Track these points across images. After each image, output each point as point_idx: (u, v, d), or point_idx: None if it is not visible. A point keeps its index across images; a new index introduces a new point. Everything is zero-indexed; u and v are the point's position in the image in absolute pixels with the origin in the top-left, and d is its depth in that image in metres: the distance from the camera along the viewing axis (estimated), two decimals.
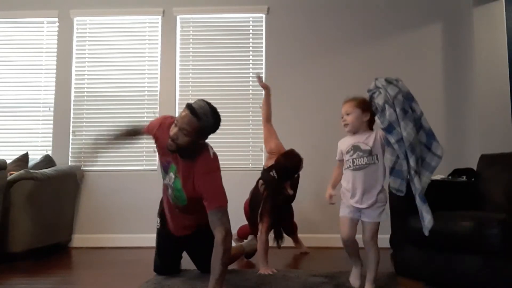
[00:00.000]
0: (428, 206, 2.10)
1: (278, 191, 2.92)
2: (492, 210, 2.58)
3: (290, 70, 4.10)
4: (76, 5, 4.24)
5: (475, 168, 3.03)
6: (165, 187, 2.56)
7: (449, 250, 2.34)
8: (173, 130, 2.26)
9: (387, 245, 2.96)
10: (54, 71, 4.22)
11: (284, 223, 3.37)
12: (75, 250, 3.81)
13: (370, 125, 2.26)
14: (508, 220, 2.15)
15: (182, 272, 2.76)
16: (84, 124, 4.18)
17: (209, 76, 4.17)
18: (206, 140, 2.42)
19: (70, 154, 4.13)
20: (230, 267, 2.72)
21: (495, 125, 3.63)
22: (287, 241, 3.46)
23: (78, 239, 3.99)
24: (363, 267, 2.31)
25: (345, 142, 2.28)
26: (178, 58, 4.19)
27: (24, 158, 3.76)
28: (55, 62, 4.23)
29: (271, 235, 2.96)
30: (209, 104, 2.31)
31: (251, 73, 4.07)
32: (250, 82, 4.16)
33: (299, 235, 3.60)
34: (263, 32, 4.17)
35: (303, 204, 3.64)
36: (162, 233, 2.71)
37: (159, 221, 2.73)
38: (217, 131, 2.37)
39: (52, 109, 4.19)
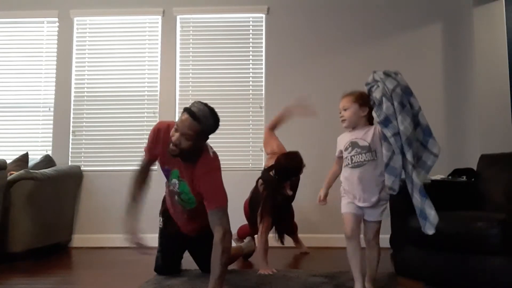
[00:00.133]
0: (430, 201, 2.02)
1: (277, 191, 2.92)
2: (492, 210, 2.58)
3: (290, 70, 4.10)
4: (76, 5, 4.24)
5: (475, 168, 3.03)
6: (170, 193, 2.56)
7: (449, 250, 2.34)
8: (175, 135, 2.25)
9: (387, 245, 2.96)
10: (54, 71, 4.22)
11: (284, 223, 3.38)
12: (75, 250, 3.81)
13: (369, 120, 2.21)
14: (508, 220, 2.15)
15: (182, 272, 2.76)
16: (84, 124, 4.18)
17: (209, 76, 4.17)
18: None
19: (70, 154, 4.14)
20: (230, 267, 2.72)
21: (495, 125, 3.63)
22: (287, 241, 3.46)
23: (78, 239, 3.99)
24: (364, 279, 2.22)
25: (344, 139, 2.23)
26: (178, 58, 4.19)
27: (24, 158, 3.76)
28: (55, 62, 4.23)
29: (273, 234, 2.97)
30: (206, 105, 2.30)
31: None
32: (250, 82, 4.16)
33: (299, 235, 3.60)
34: (263, 32, 4.17)
35: (303, 204, 3.63)
36: (165, 233, 2.71)
37: (161, 220, 2.73)
38: (217, 131, 2.37)
39: (52, 109, 4.19)
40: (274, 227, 3.12)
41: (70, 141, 4.15)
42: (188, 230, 2.62)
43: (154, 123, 2.85)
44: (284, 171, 2.91)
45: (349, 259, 2.16)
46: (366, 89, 2.19)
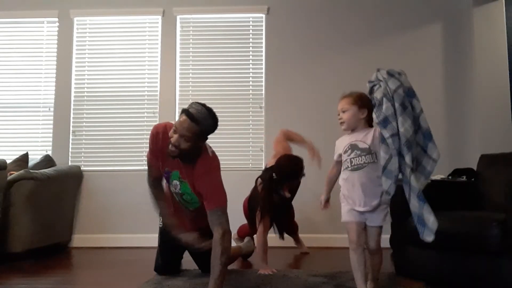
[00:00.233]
0: (429, 205, 1.95)
1: (274, 190, 2.91)
2: (492, 210, 2.58)
3: (290, 70, 4.10)
4: (76, 5, 4.24)
5: (475, 168, 3.03)
6: (172, 195, 2.56)
7: (449, 250, 2.34)
8: (173, 136, 2.25)
9: (387, 245, 2.96)
10: (54, 71, 4.22)
11: (283, 222, 3.39)
12: (75, 250, 3.81)
13: (369, 122, 2.14)
14: (508, 220, 2.15)
15: (182, 272, 2.76)
16: (84, 124, 4.18)
17: (209, 76, 4.17)
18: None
19: (70, 154, 4.14)
20: (230, 267, 2.72)
21: (495, 125, 3.63)
22: (287, 241, 3.47)
23: (78, 239, 3.99)
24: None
25: (343, 142, 2.17)
26: (178, 58, 4.19)
27: (24, 158, 3.76)
28: (55, 62, 4.23)
29: (272, 233, 2.96)
30: (204, 106, 2.29)
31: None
32: (250, 82, 4.16)
33: (300, 235, 3.60)
34: (263, 32, 4.17)
35: (303, 204, 3.63)
36: (165, 233, 2.71)
37: (161, 220, 2.73)
38: (217, 131, 2.37)
39: (52, 109, 4.19)
40: (274, 225, 3.13)
41: (70, 141, 4.15)
42: (190, 230, 2.62)
43: (154, 123, 2.86)
44: (283, 172, 2.91)
45: (353, 268, 2.10)
46: (368, 87, 2.13)
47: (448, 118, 3.98)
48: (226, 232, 2.22)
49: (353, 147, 2.12)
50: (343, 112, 2.15)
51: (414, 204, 1.96)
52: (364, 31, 4.09)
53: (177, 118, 2.53)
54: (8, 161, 3.40)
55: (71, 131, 4.16)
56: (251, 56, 4.19)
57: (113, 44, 4.26)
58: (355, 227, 2.08)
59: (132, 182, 4.01)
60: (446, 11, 4.06)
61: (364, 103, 2.12)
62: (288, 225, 3.45)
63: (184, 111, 2.26)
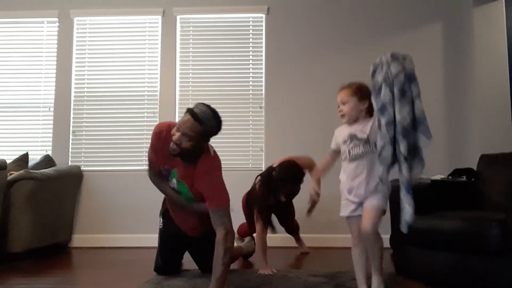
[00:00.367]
0: (412, 198, 1.91)
1: (271, 190, 2.90)
2: (492, 210, 2.58)
3: (290, 70, 4.10)
4: (76, 5, 4.24)
5: (475, 168, 3.03)
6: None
7: (449, 250, 2.34)
8: (176, 134, 2.26)
9: (387, 245, 2.96)
10: (54, 71, 4.22)
11: (283, 221, 3.39)
12: (75, 250, 3.81)
13: (370, 113, 2.08)
14: (508, 220, 2.15)
15: (182, 272, 2.76)
16: (84, 124, 4.18)
17: (209, 76, 4.17)
18: None
19: (70, 154, 4.14)
20: (230, 267, 2.72)
21: (495, 125, 3.63)
22: (287, 241, 3.47)
23: (78, 239, 3.99)
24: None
25: (342, 132, 2.13)
26: (178, 58, 4.19)
27: (24, 158, 3.76)
28: (55, 62, 4.23)
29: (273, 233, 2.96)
30: (209, 107, 2.30)
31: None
32: (250, 82, 4.16)
33: (300, 235, 3.60)
34: (263, 32, 4.17)
35: (304, 204, 3.62)
36: (165, 234, 2.71)
37: (161, 221, 2.73)
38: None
39: (52, 109, 4.19)
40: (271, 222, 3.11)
41: (70, 141, 4.15)
42: (188, 228, 2.62)
43: (154, 123, 2.87)
44: (284, 173, 2.89)
45: (354, 262, 2.09)
46: (371, 69, 2.07)
47: (448, 118, 3.98)
48: (229, 232, 2.21)
49: (352, 137, 2.08)
50: (343, 104, 2.10)
51: (402, 191, 1.94)
52: (364, 31, 4.09)
53: (177, 119, 2.53)
54: (8, 161, 3.40)
55: (71, 131, 4.16)
56: (251, 56, 4.19)
57: (113, 44, 4.26)
58: (355, 221, 2.07)
59: (132, 182, 4.02)
60: (446, 11, 4.06)
61: (364, 93, 2.07)
62: (288, 224, 3.45)
63: (189, 110, 2.26)
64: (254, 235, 3.05)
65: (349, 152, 2.08)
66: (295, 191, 3.01)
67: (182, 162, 2.38)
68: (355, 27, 4.11)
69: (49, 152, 4.09)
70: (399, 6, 4.10)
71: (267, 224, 2.90)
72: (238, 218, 3.11)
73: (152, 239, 2.96)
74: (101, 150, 4.15)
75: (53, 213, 3.62)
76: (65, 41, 4.23)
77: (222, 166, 2.43)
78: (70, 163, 4.10)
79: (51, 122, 4.17)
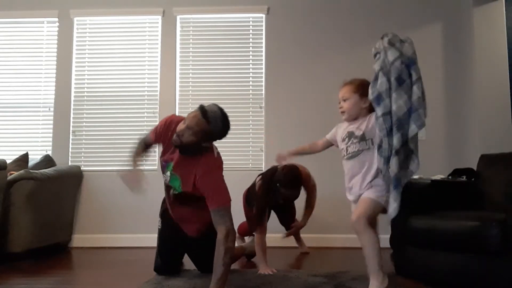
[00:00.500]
0: (399, 193, 1.88)
1: (271, 190, 2.90)
2: (492, 210, 2.58)
3: (290, 70, 4.10)
4: (76, 5, 4.24)
5: (475, 168, 3.03)
6: (167, 188, 2.56)
7: (449, 250, 2.34)
8: (181, 126, 2.28)
9: (387, 245, 2.96)
10: (54, 71, 4.22)
11: (283, 220, 3.41)
12: (75, 250, 3.81)
13: (371, 111, 2.05)
14: (508, 220, 2.15)
15: (182, 272, 2.76)
16: (84, 124, 4.18)
17: (209, 76, 4.17)
18: None
19: (70, 154, 4.14)
20: (231, 267, 2.72)
21: (495, 125, 3.63)
22: (287, 241, 3.46)
23: (78, 239, 3.99)
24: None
25: (342, 128, 2.11)
26: (178, 58, 4.19)
27: (24, 158, 3.76)
28: (55, 62, 4.23)
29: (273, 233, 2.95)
30: (222, 110, 2.30)
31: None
32: (250, 82, 4.16)
33: (301, 235, 3.60)
34: (263, 32, 4.17)
35: (303, 204, 3.63)
36: (164, 234, 2.71)
37: (160, 222, 2.73)
38: None
39: (52, 109, 4.19)
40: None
41: (70, 141, 4.15)
42: (187, 227, 2.61)
43: (154, 123, 2.87)
44: (284, 174, 2.89)
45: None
46: (373, 52, 2.03)
47: (448, 118, 3.98)
48: (230, 232, 2.21)
49: (350, 134, 2.07)
50: (344, 100, 2.07)
51: (390, 187, 1.93)
52: (364, 31, 4.09)
53: None
54: (8, 161, 3.40)
55: (71, 131, 4.16)
56: (251, 56, 4.19)
57: (113, 44, 4.26)
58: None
59: None
60: (446, 11, 4.06)
61: (366, 91, 2.04)
62: (288, 224, 3.45)
63: (200, 107, 2.28)
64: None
65: (347, 150, 2.07)
66: (294, 196, 3.04)
67: (180, 156, 2.38)
68: (355, 27, 4.11)
69: (49, 152, 4.09)
70: (399, 6, 4.10)
71: (261, 223, 2.86)
72: (236, 219, 3.10)
73: (152, 239, 2.95)
74: (101, 150, 4.15)
75: (53, 213, 3.62)
76: (65, 41, 4.23)
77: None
78: (70, 163, 4.10)
79: (51, 122, 4.17)
